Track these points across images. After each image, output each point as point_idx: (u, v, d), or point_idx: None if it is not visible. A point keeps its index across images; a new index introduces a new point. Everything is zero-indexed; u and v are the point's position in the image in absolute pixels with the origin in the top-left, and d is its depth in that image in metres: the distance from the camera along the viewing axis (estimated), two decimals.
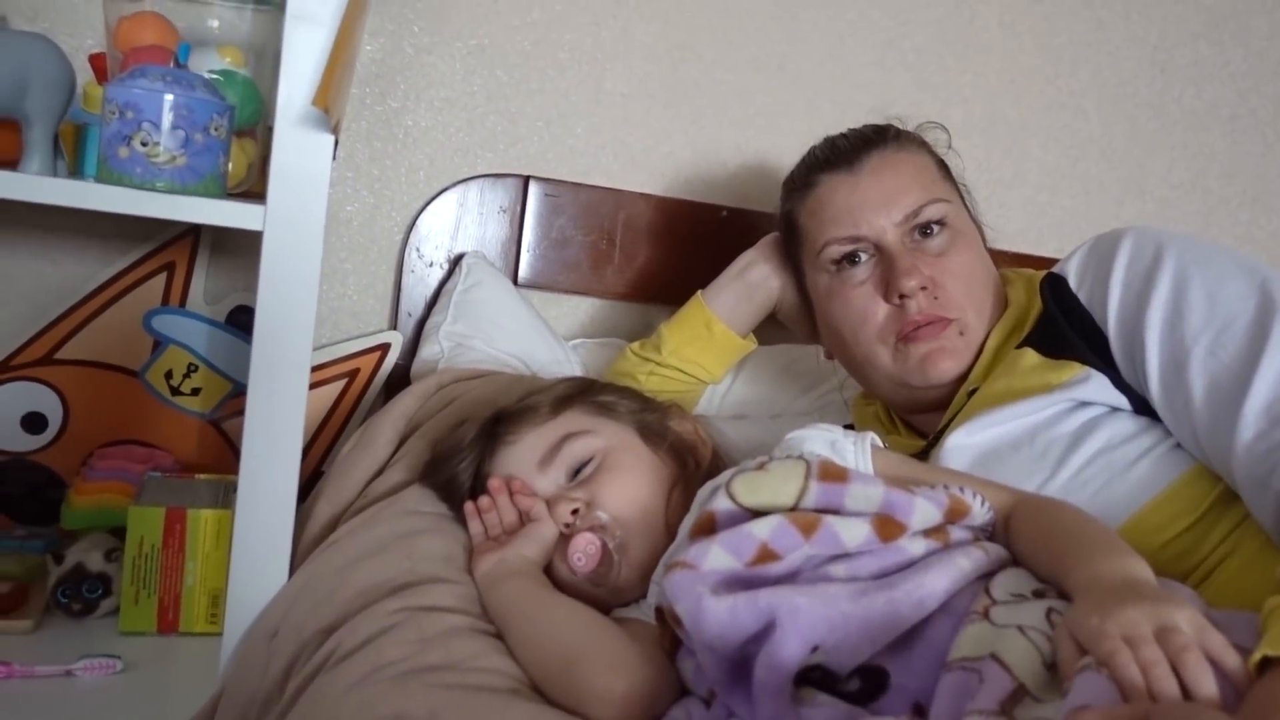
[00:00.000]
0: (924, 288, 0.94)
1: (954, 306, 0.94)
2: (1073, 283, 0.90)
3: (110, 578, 1.04)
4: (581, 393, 0.93)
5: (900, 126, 1.04)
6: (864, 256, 0.97)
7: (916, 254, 0.96)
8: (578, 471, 0.86)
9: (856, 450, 0.79)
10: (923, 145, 1.04)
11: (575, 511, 0.83)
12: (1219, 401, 0.77)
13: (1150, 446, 0.83)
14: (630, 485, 0.84)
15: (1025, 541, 0.72)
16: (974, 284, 0.96)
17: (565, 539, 0.82)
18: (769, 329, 1.20)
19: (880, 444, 0.81)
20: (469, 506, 0.88)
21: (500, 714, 0.66)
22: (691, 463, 0.90)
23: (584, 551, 0.80)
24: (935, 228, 0.97)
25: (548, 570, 0.83)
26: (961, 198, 1.04)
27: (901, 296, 0.94)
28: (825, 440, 0.79)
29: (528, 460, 0.87)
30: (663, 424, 0.91)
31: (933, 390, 0.96)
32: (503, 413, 0.92)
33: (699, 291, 1.17)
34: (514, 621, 0.76)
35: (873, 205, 0.97)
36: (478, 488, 0.90)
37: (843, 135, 1.05)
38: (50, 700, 0.88)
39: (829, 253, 0.99)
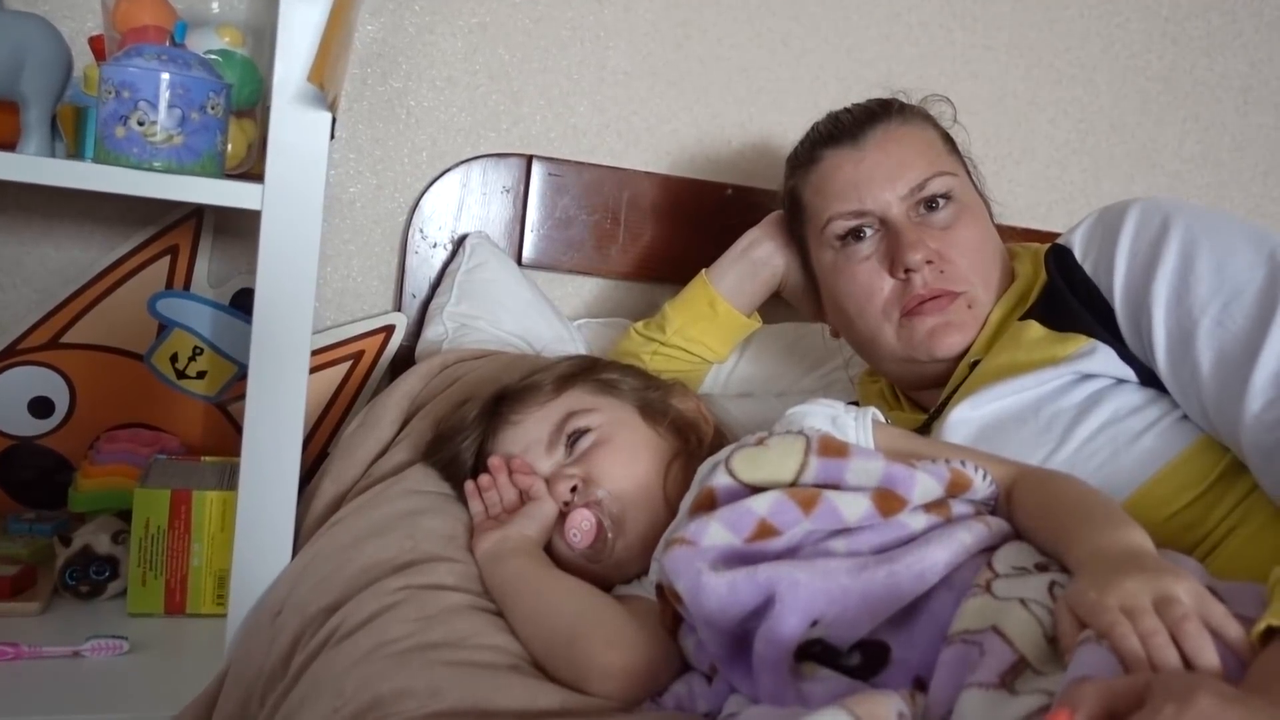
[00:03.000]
0: (930, 261, 0.93)
1: (961, 280, 0.93)
2: (1078, 254, 0.89)
3: (118, 560, 1.04)
4: (584, 371, 0.92)
5: (905, 100, 1.03)
6: (869, 231, 0.96)
7: (922, 228, 0.94)
8: (577, 449, 0.86)
9: (858, 425, 0.78)
10: (928, 119, 1.03)
11: (574, 489, 0.83)
12: (1227, 372, 0.76)
13: (1157, 418, 0.82)
14: (625, 461, 0.84)
15: (1026, 514, 0.71)
16: (981, 257, 0.95)
17: (564, 516, 0.82)
18: (773, 307, 1.19)
19: (881, 418, 0.80)
20: (469, 486, 0.88)
21: (501, 689, 0.66)
22: (693, 440, 0.89)
23: (579, 528, 0.80)
24: (940, 201, 0.95)
25: (548, 548, 0.83)
26: (968, 172, 1.03)
27: (907, 271, 0.93)
28: (826, 415, 0.79)
29: (532, 440, 0.87)
30: (664, 401, 0.91)
31: (939, 365, 0.95)
32: (505, 392, 0.92)
33: (703, 270, 1.17)
34: (514, 599, 0.76)
35: (877, 180, 0.96)
36: (479, 467, 0.90)
37: (846, 110, 1.03)
38: (58, 680, 0.89)
39: (833, 228, 0.98)
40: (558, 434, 0.86)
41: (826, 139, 1.01)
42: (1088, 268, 0.88)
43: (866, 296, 0.96)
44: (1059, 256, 0.91)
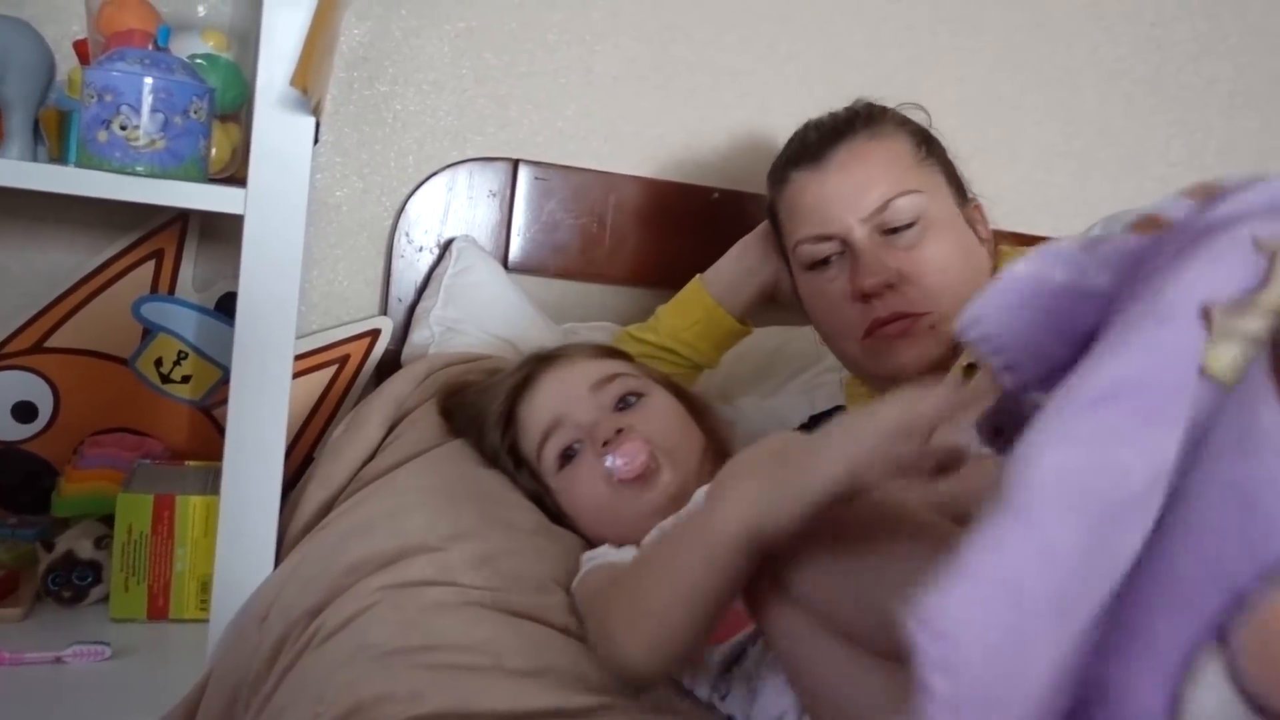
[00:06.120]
0: (890, 285, 0.92)
1: (924, 301, 0.93)
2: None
3: (100, 565, 1.03)
4: (616, 352, 0.98)
5: (879, 106, 1.02)
6: (834, 255, 0.96)
7: (885, 249, 0.94)
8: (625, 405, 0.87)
9: None
10: (902, 126, 1.01)
11: (620, 431, 0.83)
12: None
13: None
14: (678, 423, 0.86)
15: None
16: (949, 276, 0.94)
17: (600, 454, 0.83)
18: (760, 310, 1.20)
19: None
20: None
21: (484, 691, 0.66)
22: (718, 440, 0.90)
23: (629, 455, 0.80)
24: (904, 222, 0.94)
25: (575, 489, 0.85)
26: (948, 179, 1.02)
27: (866, 296, 0.93)
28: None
29: (580, 380, 0.88)
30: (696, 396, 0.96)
31: (904, 383, 0.94)
32: (544, 353, 0.96)
33: (698, 275, 1.17)
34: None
35: (839, 202, 0.95)
36: (511, 421, 0.92)
37: (816, 125, 1.03)
38: (40, 687, 0.88)
39: (800, 253, 0.99)
40: (605, 383, 0.88)
41: (795, 159, 1.01)
42: None
43: (833, 319, 0.98)
44: None
